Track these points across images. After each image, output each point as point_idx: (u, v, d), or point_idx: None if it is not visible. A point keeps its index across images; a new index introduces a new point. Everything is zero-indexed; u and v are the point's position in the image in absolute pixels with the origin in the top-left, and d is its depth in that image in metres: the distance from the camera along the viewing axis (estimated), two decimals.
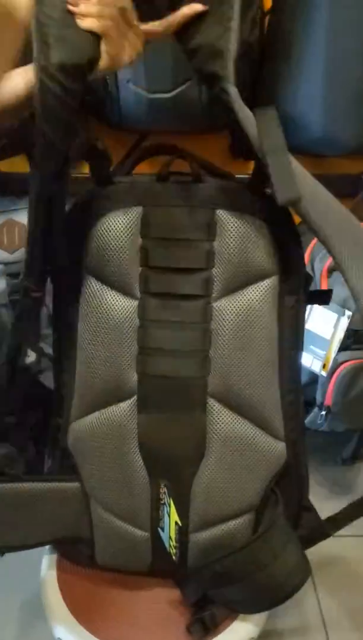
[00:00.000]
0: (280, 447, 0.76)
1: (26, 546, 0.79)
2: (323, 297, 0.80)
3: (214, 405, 0.73)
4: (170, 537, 0.78)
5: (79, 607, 0.79)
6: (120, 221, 0.69)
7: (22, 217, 1.14)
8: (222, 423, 0.73)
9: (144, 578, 0.82)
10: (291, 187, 0.59)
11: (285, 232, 0.71)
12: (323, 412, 1.23)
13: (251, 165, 0.72)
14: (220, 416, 0.73)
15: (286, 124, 1.19)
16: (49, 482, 0.78)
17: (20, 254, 1.12)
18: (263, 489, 0.77)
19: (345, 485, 1.52)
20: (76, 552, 0.83)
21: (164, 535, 0.78)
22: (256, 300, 0.71)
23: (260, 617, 0.79)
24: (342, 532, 1.33)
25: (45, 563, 0.85)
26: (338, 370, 1.18)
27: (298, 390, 0.76)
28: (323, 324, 1.19)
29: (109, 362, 0.73)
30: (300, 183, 0.61)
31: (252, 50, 1.16)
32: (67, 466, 0.79)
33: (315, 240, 1.25)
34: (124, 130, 1.16)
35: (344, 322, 1.16)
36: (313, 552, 1.30)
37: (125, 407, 0.74)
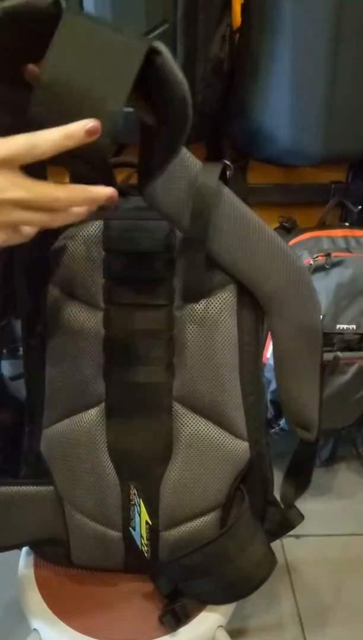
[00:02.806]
0: (244, 446, 0.78)
1: (3, 548, 0.81)
2: None
3: (179, 409, 0.76)
4: (141, 536, 0.80)
5: (55, 601, 0.81)
6: (82, 235, 0.72)
7: None
8: (187, 425, 0.76)
9: (120, 574, 0.85)
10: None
11: None
12: None
13: None
14: (185, 419, 0.76)
15: (257, 136, 1.24)
16: (24, 486, 0.80)
17: None
18: (229, 486, 0.79)
19: (323, 486, 1.55)
20: (53, 553, 0.85)
21: (135, 534, 0.80)
22: (217, 308, 0.73)
23: (228, 607, 0.82)
24: (318, 531, 1.37)
25: (22, 562, 0.88)
26: None
27: (259, 391, 0.78)
28: None
29: (77, 371, 0.75)
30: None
31: (222, 65, 1.20)
32: (42, 470, 0.81)
33: None
34: None
35: None
36: (290, 552, 1.33)
37: (94, 414, 0.76)
